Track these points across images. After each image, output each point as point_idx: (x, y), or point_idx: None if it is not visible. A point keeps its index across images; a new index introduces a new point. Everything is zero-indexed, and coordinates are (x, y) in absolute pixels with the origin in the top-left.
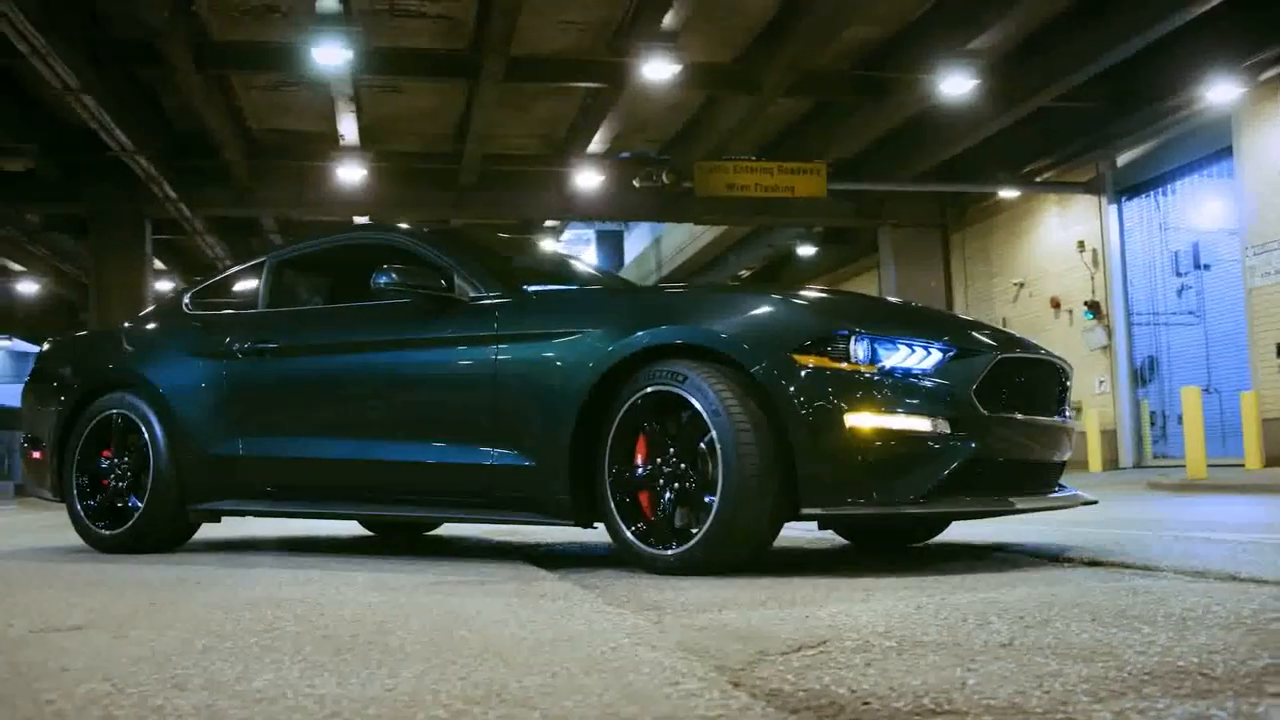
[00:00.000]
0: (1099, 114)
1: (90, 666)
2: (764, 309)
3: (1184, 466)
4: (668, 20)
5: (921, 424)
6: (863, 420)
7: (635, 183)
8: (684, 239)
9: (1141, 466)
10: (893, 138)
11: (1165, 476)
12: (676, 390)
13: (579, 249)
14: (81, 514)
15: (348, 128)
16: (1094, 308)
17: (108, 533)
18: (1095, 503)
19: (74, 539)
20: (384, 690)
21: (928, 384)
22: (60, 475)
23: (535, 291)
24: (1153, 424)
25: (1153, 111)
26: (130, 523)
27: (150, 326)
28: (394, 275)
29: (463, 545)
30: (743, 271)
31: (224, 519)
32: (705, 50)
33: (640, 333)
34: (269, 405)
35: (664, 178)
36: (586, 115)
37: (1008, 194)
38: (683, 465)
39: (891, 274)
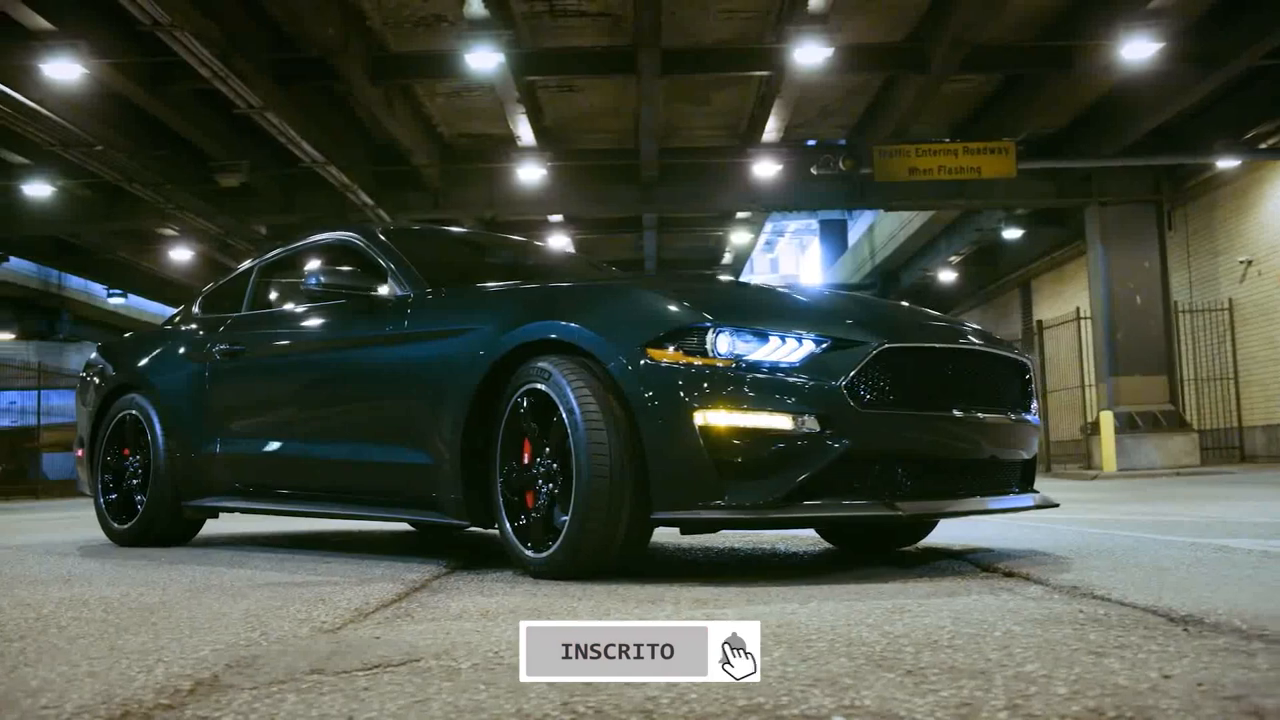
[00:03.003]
0: None
1: None
2: (629, 301)
3: None
4: (825, 2)
5: (781, 422)
6: (716, 418)
7: (813, 170)
8: (894, 226)
9: None
10: (1093, 110)
11: None
12: (543, 388)
13: (805, 239)
14: (104, 508)
15: (524, 129)
16: None
17: (120, 527)
18: (1050, 506)
19: (87, 534)
20: None
21: (793, 379)
22: (91, 472)
23: (446, 289)
24: None
25: None
26: (135, 519)
27: (168, 330)
28: (321, 277)
29: (461, 542)
30: (952, 258)
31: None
32: (876, 30)
33: (517, 329)
34: (238, 406)
35: (841, 164)
36: (763, 104)
37: (1227, 163)
38: (555, 465)
39: (1099, 255)
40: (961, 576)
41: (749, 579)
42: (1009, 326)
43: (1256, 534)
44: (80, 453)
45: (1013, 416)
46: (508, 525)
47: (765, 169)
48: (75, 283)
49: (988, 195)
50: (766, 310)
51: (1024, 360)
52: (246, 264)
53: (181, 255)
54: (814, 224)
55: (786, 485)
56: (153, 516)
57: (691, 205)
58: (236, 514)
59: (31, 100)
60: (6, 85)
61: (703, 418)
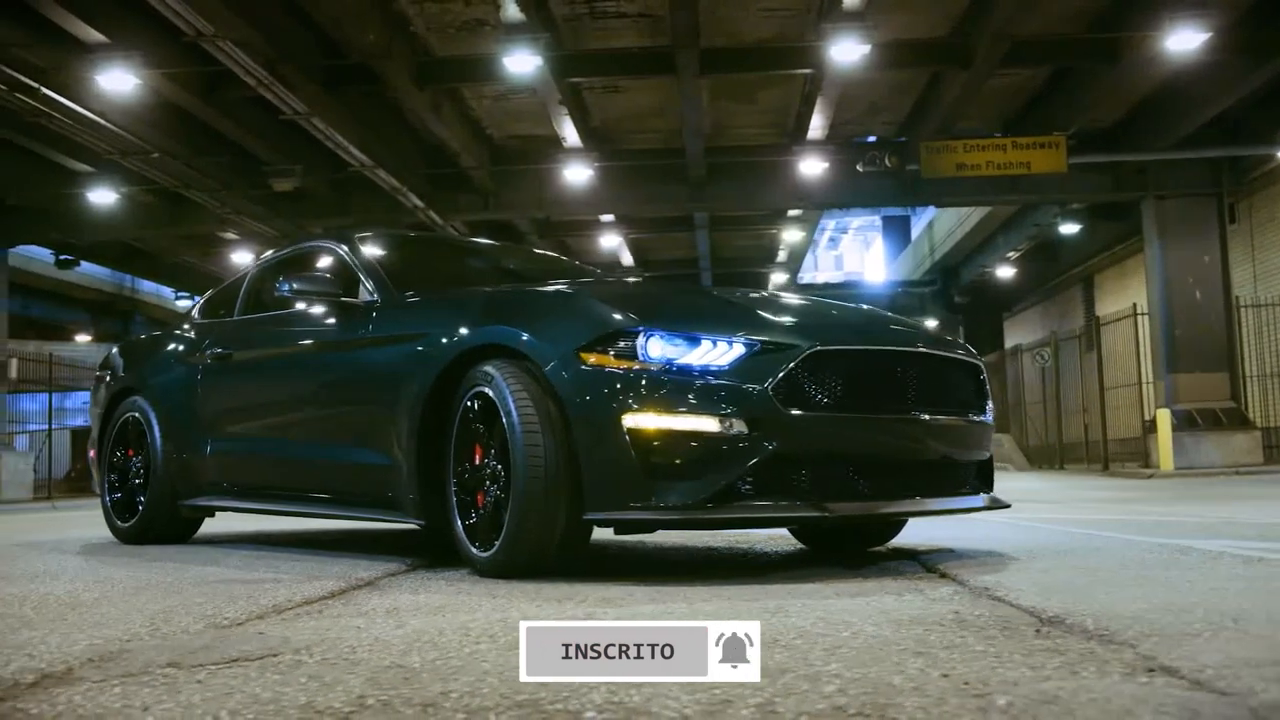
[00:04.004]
0: None
1: None
2: (567, 306)
3: None
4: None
5: (707, 424)
6: (643, 421)
7: (859, 167)
8: (953, 222)
9: None
10: (1148, 102)
11: None
12: (489, 391)
13: (870, 236)
14: (109, 507)
15: (569, 130)
16: None
17: (123, 525)
18: (1000, 507)
19: (88, 532)
20: None
21: (721, 382)
22: (98, 471)
23: (409, 295)
24: None
25: None
26: (137, 517)
27: (171, 334)
28: (294, 284)
29: None
30: (1011, 254)
31: None
32: (917, 26)
33: (466, 334)
34: (225, 408)
35: (887, 161)
36: (809, 102)
37: None
38: (499, 466)
39: (1156, 250)
40: (895, 577)
41: (672, 579)
42: (1071, 323)
43: (1245, 535)
44: (93, 453)
45: (963, 418)
46: (459, 525)
47: (813, 166)
48: (148, 286)
49: (1042, 190)
50: (700, 314)
51: (976, 362)
52: (244, 269)
53: (243, 258)
54: (878, 220)
55: (713, 486)
56: (152, 515)
57: (740, 204)
58: (251, 514)
59: (90, 111)
60: (65, 97)
61: (631, 420)
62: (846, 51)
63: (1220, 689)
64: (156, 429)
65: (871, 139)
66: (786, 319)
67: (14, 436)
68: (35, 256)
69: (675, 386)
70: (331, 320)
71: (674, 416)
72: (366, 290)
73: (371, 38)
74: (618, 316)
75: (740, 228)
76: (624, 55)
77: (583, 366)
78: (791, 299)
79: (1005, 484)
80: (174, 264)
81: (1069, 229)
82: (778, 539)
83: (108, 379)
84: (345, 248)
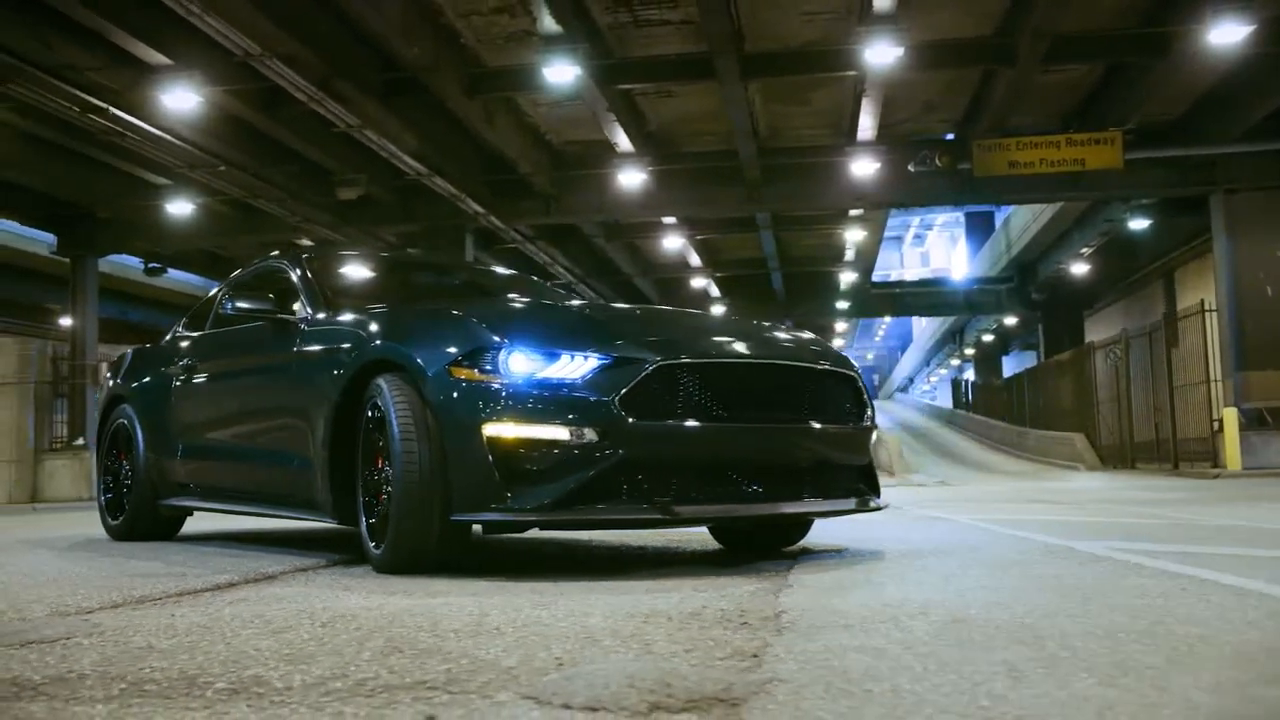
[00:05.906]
0: None
1: None
2: (444, 324)
3: None
4: (892, 2)
5: (557, 433)
6: (502, 430)
7: (910, 167)
8: (1027, 219)
9: None
10: (1211, 94)
11: None
12: (379, 402)
13: (955, 232)
14: (103, 506)
15: (620, 136)
16: None
17: (114, 523)
18: (870, 510)
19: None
20: None
21: (572, 394)
22: (95, 473)
23: (335, 312)
24: None
25: None
26: (123, 516)
27: (157, 346)
28: (236, 303)
29: None
30: (1084, 250)
31: None
32: (960, 25)
33: (366, 350)
34: (191, 416)
35: (937, 160)
36: (861, 102)
37: None
38: (390, 471)
39: (1225, 245)
40: (738, 575)
41: (519, 575)
42: (1153, 320)
43: (1173, 540)
44: (94, 456)
45: (831, 424)
46: (363, 525)
47: (867, 166)
48: None
49: (1104, 186)
50: (566, 331)
51: (848, 373)
52: (218, 287)
53: None
54: (962, 217)
55: (564, 490)
56: (136, 515)
57: (797, 204)
58: (214, 512)
59: (158, 128)
60: (134, 115)
61: (490, 429)
62: (880, 54)
63: (755, 663)
64: (139, 435)
65: (949, 137)
66: (648, 335)
67: None
68: (132, 265)
69: (531, 398)
70: (271, 336)
71: (528, 426)
72: (304, 307)
73: (416, 50)
74: (487, 334)
75: (805, 227)
76: (667, 62)
77: (453, 380)
78: (668, 315)
79: (1055, 484)
80: None
81: (1139, 224)
82: (705, 539)
83: (108, 386)
84: (295, 268)
